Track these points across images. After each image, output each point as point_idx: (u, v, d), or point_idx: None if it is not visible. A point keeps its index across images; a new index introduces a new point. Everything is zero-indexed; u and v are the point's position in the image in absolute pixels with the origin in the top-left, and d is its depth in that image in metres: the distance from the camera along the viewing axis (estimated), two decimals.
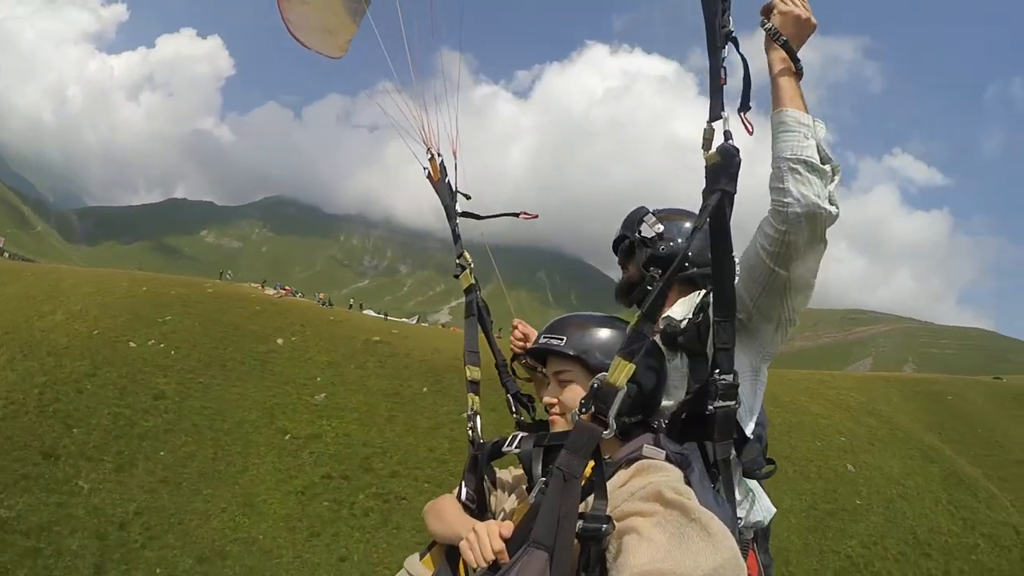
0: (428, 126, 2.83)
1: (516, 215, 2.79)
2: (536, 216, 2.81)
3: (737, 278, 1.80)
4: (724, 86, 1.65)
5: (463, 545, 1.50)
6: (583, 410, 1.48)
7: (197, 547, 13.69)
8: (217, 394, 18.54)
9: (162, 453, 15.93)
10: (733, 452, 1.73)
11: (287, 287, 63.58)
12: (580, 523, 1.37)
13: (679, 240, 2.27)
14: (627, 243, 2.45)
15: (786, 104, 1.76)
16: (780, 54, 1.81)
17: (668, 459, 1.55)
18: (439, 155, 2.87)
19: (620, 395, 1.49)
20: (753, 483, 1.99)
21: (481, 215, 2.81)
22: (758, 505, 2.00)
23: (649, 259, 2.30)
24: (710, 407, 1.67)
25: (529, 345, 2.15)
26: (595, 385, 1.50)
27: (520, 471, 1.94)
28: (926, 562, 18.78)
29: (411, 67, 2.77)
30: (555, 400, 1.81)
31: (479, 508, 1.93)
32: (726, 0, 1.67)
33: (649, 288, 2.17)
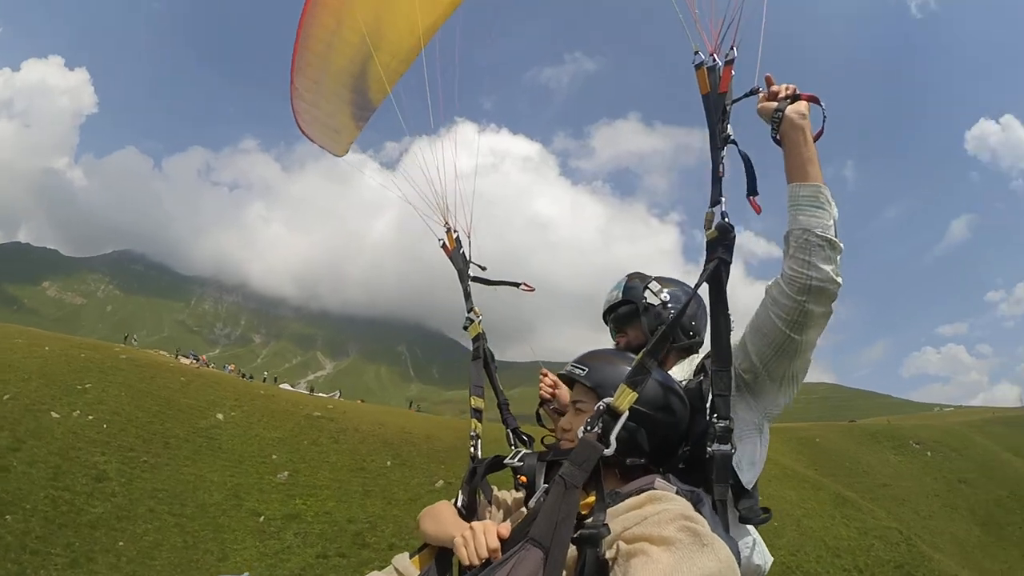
0: (445, 202, 3.14)
1: (517, 285, 3.00)
2: (533, 289, 2.98)
3: (745, 342, 1.99)
4: (722, 178, 1.91)
5: (458, 541, 1.56)
6: (588, 428, 1.62)
7: None
8: (168, 475, 16.88)
9: (121, 543, 14.12)
10: (731, 495, 1.85)
11: (202, 356, 59.69)
12: (579, 529, 1.45)
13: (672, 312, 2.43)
14: (628, 309, 2.52)
15: (815, 179, 1.87)
16: (803, 122, 1.91)
17: (678, 493, 1.58)
18: (455, 230, 3.15)
19: (623, 419, 1.64)
20: (753, 530, 2.10)
21: (491, 280, 3.03)
22: (759, 549, 2.10)
23: (657, 325, 2.38)
24: (709, 450, 1.79)
25: (553, 389, 2.59)
26: (601, 407, 1.63)
27: (518, 495, 2.03)
28: (839, 561, 24.15)
29: (435, 150, 3.14)
30: (570, 427, 1.86)
31: (470, 515, 2.01)
32: (726, 112, 1.94)
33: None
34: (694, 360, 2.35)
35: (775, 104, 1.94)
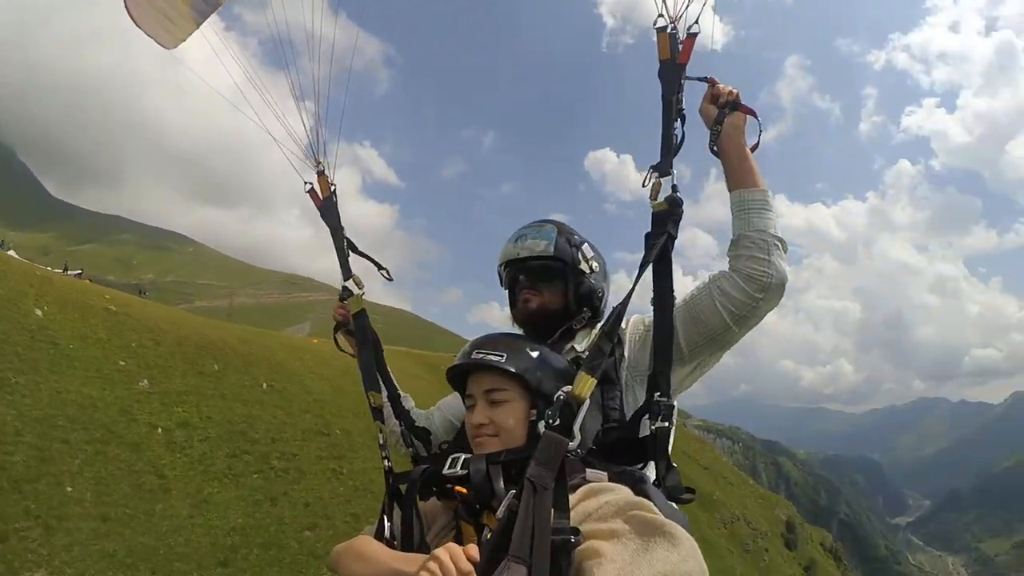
0: (317, 133, 2.57)
1: (380, 267, 2.59)
2: (391, 279, 2.60)
3: (675, 327, 1.86)
4: (676, 148, 1.86)
5: None
6: (551, 421, 1.48)
7: None
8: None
9: None
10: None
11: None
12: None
13: (601, 282, 2.26)
14: (554, 266, 2.21)
15: (760, 183, 1.92)
16: (741, 137, 1.98)
17: (611, 478, 1.53)
18: (328, 173, 2.64)
19: (585, 407, 1.53)
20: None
21: (356, 248, 2.58)
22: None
23: (584, 293, 2.20)
24: (651, 428, 1.71)
25: (458, 361, 1.87)
26: (560, 397, 1.51)
27: (423, 503, 1.80)
28: None
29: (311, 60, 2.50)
30: (487, 420, 1.71)
31: (404, 543, 1.75)
32: (681, 86, 1.89)
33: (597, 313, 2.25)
34: (593, 333, 2.21)
35: (715, 112, 1.98)
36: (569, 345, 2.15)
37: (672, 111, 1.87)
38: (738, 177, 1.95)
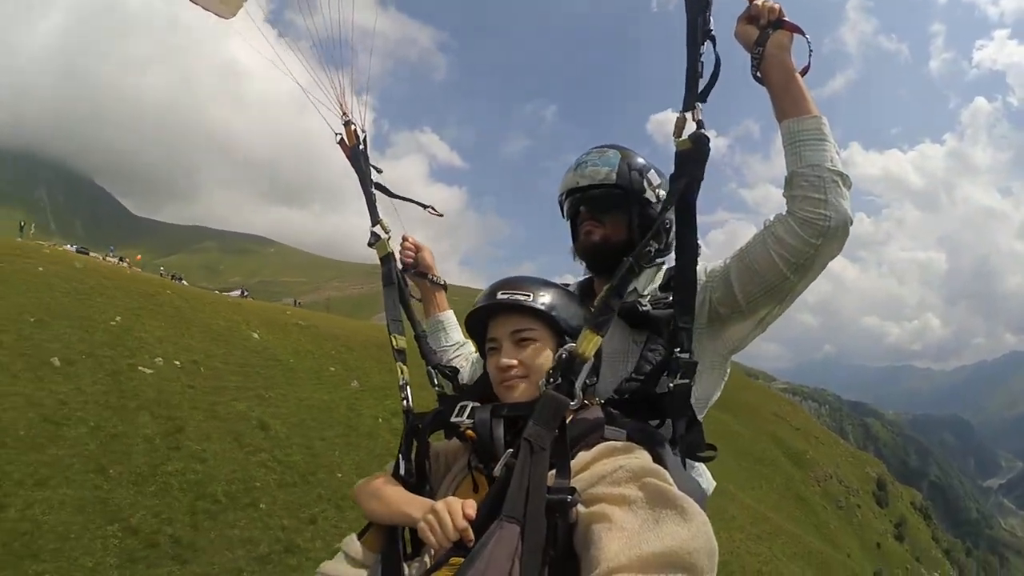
0: (342, 84, 2.44)
1: (425, 207, 2.51)
2: (442, 215, 2.56)
3: (729, 277, 1.77)
4: (701, 79, 1.59)
5: (422, 527, 1.41)
6: (551, 380, 1.42)
7: None
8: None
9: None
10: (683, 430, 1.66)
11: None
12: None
13: (668, 214, 1.80)
14: (618, 195, 2.01)
15: (813, 110, 1.67)
16: (787, 58, 1.70)
17: (630, 438, 1.47)
18: (355, 121, 2.47)
19: (588, 367, 1.49)
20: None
21: (393, 192, 2.44)
22: (705, 477, 2.02)
23: (649, 224, 1.91)
24: (669, 385, 1.61)
25: (479, 303, 1.73)
26: (563, 355, 1.45)
27: (446, 443, 1.82)
28: None
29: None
30: (515, 361, 1.62)
31: (418, 483, 1.76)
32: (709, 2, 1.60)
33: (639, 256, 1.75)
34: (659, 272, 2.05)
35: (756, 33, 1.71)
36: (632, 287, 1.87)
37: (698, 33, 1.58)
38: (786, 105, 1.68)
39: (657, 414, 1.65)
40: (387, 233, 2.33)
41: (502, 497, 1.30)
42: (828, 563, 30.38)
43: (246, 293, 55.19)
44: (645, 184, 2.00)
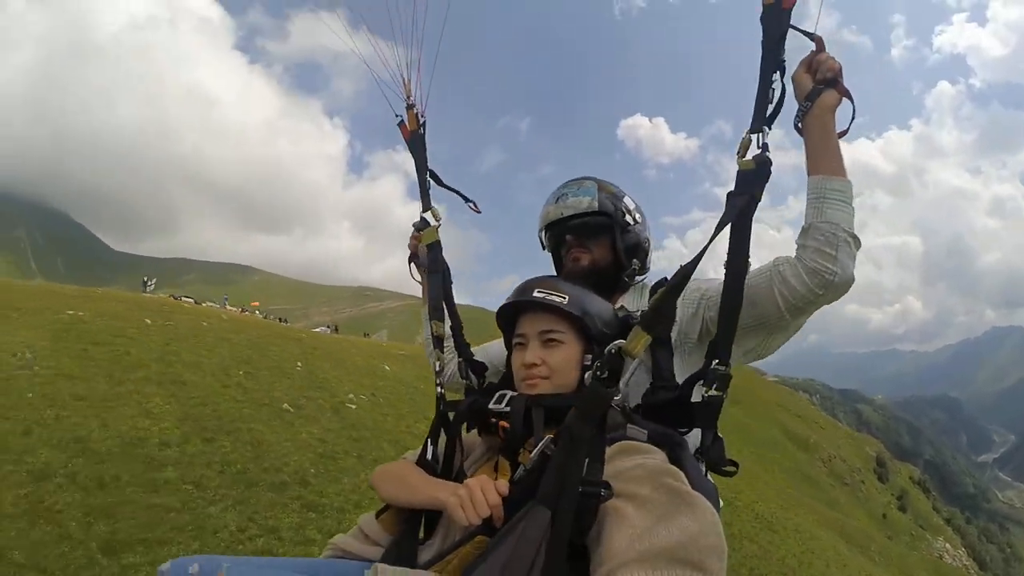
0: (407, 69, 2.44)
1: (468, 200, 2.47)
2: (480, 212, 2.53)
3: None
4: (771, 103, 1.66)
5: (453, 502, 1.40)
6: (598, 373, 1.38)
7: None
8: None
9: None
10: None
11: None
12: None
13: (646, 232, 2.20)
14: (600, 222, 2.14)
15: (841, 172, 1.73)
16: (831, 118, 1.74)
17: (651, 440, 1.49)
18: (417, 106, 2.47)
19: (635, 364, 1.60)
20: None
21: (444, 182, 2.43)
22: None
23: (631, 245, 2.14)
24: (703, 395, 1.62)
25: (510, 299, 1.78)
26: (612, 350, 1.40)
27: (478, 437, 1.81)
28: None
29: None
30: (539, 360, 1.65)
31: (444, 469, 1.79)
32: (785, 34, 1.69)
33: (635, 273, 2.16)
34: (644, 289, 2.15)
35: (810, 87, 1.74)
36: (619, 305, 1.97)
37: (773, 62, 1.67)
38: (820, 161, 1.73)
39: (683, 422, 1.64)
40: (438, 221, 2.33)
41: (536, 482, 1.32)
42: (847, 530, 33.44)
43: (328, 329, 53.81)
44: (624, 209, 2.13)
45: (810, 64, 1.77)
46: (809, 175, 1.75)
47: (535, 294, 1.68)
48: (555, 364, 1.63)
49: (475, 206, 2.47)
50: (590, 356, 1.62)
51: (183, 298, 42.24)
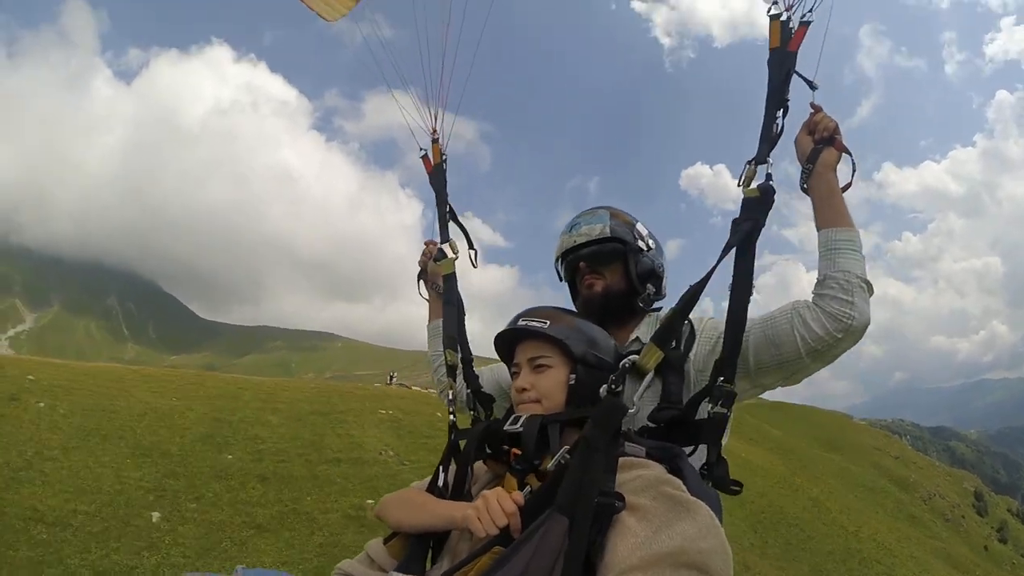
0: (431, 107, 2.54)
1: (471, 247, 2.52)
2: (476, 267, 2.52)
3: (747, 341, 1.78)
4: (776, 138, 1.81)
5: (470, 514, 1.42)
6: (613, 387, 1.51)
7: None
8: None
9: None
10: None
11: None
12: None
13: (659, 258, 2.21)
14: (613, 248, 2.16)
15: (848, 223, 1.81)
16: (833, 175, 1.86)
17: (649, 456, 1.50)
18: (441, 140, 2.61)
19: (648, 378, 1.64)
20: None
21: (458, 218, 2.55)
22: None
23: (645, 270, 2.15)
24: (708, 412, 1.66)
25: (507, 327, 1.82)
26: (626, 365, 1.52)
27: (478, 465, 1.82)
28: None
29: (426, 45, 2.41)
30: (528, 386, 1.69)
31: (454, 495, 1.77)
32: (790, 75, 1.82)
33: (649, 298, 2.16)
34: (653, 323, 2.13)
35: (810, 148, 1.89)
36: (634, 336, 2.07)
37: (777, 100, 1.81)
38: (827, 216, 1.83)
39: (688, 440, 1.66)
40: (455, 254, 2.43)
41: (553, 492, 1.33)
42: (954, 557, 37.59)
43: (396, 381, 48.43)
44: (636, 235, 2.15)
45: (809, 126, 1.92)
46: (818, 230, 1.84)
47: (519, 323, 1.75)
48: (544, 389, 1.66)
49: (474, 256, 2.51)
50: (574, 376, 1.64)
51: (414, 387, 39.80)
